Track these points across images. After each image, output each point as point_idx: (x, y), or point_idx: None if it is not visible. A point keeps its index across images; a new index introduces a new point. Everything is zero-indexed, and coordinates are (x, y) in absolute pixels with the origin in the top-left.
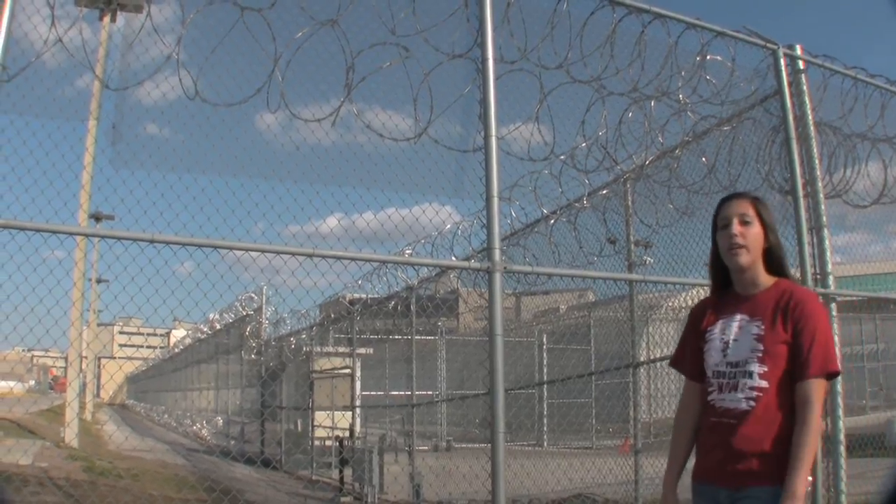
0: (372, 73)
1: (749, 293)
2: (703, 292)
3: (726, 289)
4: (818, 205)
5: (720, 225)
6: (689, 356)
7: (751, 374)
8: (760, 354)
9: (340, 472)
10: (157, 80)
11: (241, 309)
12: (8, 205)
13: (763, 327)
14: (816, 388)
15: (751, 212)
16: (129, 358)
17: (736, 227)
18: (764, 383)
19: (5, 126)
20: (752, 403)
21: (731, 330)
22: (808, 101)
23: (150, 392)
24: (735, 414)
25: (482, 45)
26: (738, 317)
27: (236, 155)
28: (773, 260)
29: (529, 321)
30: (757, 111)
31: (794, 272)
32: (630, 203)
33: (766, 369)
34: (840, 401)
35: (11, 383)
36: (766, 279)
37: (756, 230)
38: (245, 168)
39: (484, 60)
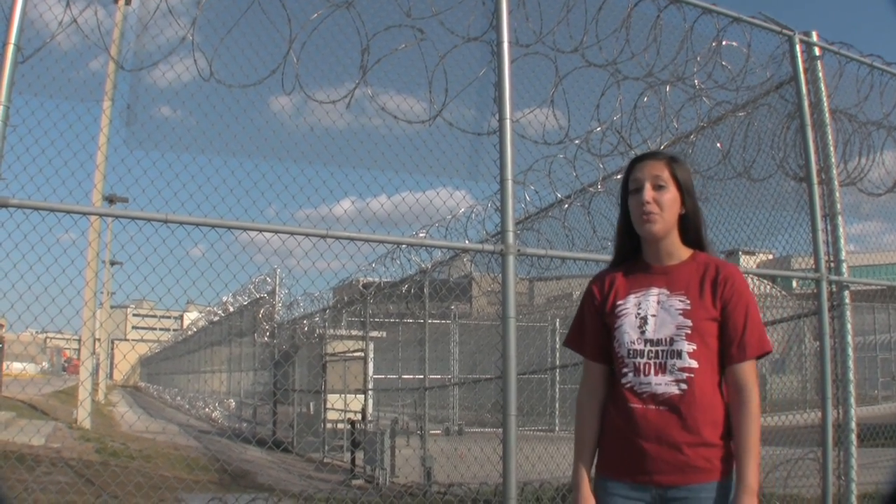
0: (387, 56)
1: (664, 264)
2: None
3: (631, 260)
4: (832, 192)
5: (631, 188)
6: (589, 335)
7: (679, 354)
8: (689, 331)
9: (352, 454)
10: (172, 62)
11: (254, 291)
12: (22, 185)
13: (689, 302)
14: (753, 370)
15: (665, 174)
16: (142, 340)
17: (648, 193)
18: (694, 363)
19: (20, 107)
20: (684, 387)
21: (648, 305)
22: (823, 88)
23: (162, 374)
24: (664, 399)
25: (497, 28)
26: (656, 291)
27: (250, 136)
28: (690, 228)
29: (542, 306)
30: (772, 97)
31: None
32: None
33: (695, 347)
34: (852, 390)
35: (24, 364)
36: (682, 250)
37: (671, 195)
38: (259, 150)
39: (499, 43)
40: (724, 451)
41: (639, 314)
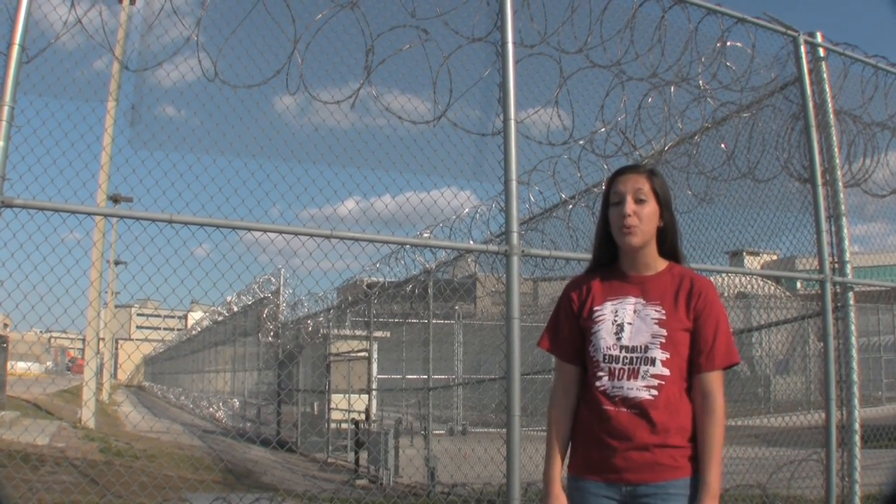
0: (391, 56)
1: (641, 274)
2: (724, 278)
3: (608, 267)
4: (837, 193)
5: (613, 200)
6: (565, 338)
7: (653, 361)
8: (663, 340)
9: (356, 454)
10: (177, 62)
11: (258, 291)
12: (27, 185)
13: (664, 312)
14: (720, 380)
15: (646, 187)
16: (146, 340)
17: (629, 206)
18: (666, 371)
19: (25, 107)
20: (655, 393)
21: (625, 313)
22: (828, 89)
23: (166, 374)
24: (635, 403)
25: (502, 29)
26: (632, 300)
27: (254, 137)
28: (667, 240)
29: (547, 306)
30: (777, 98)
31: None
32: None
33: (668, 356)
34: (856, 391)
35: (29, 364)
36: (659, 261)
37: (651, 208)
38: (263, 150)
39: (503, 44)
40: (691, 451)
41: (615, 321)
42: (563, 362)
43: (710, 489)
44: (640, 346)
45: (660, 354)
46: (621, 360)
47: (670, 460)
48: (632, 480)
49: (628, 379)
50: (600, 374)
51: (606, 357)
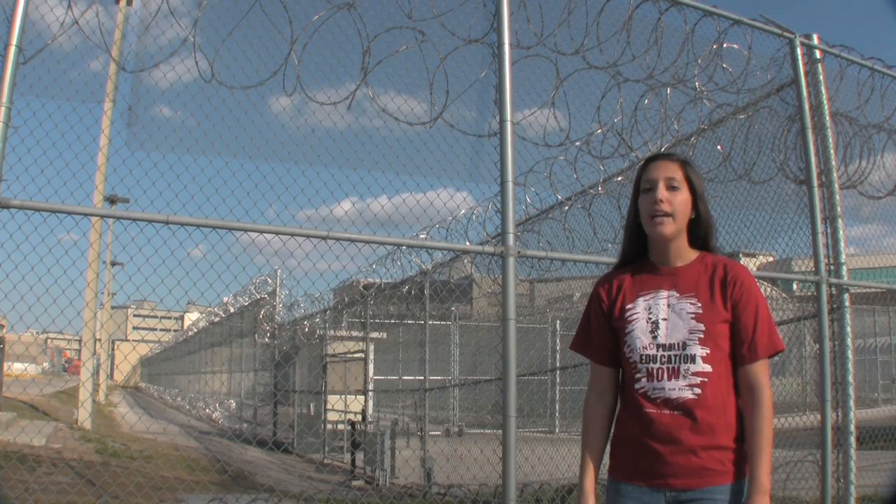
0: (388, 57)
1: (672, 266)
2: None
3: (637, 261)
4: (833, 195)
5: (643, 188)
6: (596, 339)
7: (693, 358)
8: (702, 335)
9: (352, 455)
10: (173, 63)
11: (254, 292)
12: (24, 186)
13: (700, 305)
14: (765, 370)
15: (679, 175)
16: (143, 341)
17: (661, 193)
18: (708, 367)
19: (22, 108)
20: (698, 391)
21: (659, 309)
22: (824, 91)
23: (163, 375)
24: (678, 404)
25: (498, 30)
26: (665, 293)
27: (251, 138)
28: (700, 232)
29: (543, 307)
30: (773, 100)
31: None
32: None
33: (708, 351)
34: (851, 392)
35: (26, 365)
36: (690, 252)
37: (683, 196)
38: (260, 151)
39: (500, 45)
40: (738, 454)
41: (650, 318)
42: (596, 365)
43: (761, 486)
44: (678, 344)
45: (699, 350)
46: (659, 359)
47: (718, 465)
48: (676, 486)
49: (668, 379)
50: (638, 375)
51: (643, 357)
